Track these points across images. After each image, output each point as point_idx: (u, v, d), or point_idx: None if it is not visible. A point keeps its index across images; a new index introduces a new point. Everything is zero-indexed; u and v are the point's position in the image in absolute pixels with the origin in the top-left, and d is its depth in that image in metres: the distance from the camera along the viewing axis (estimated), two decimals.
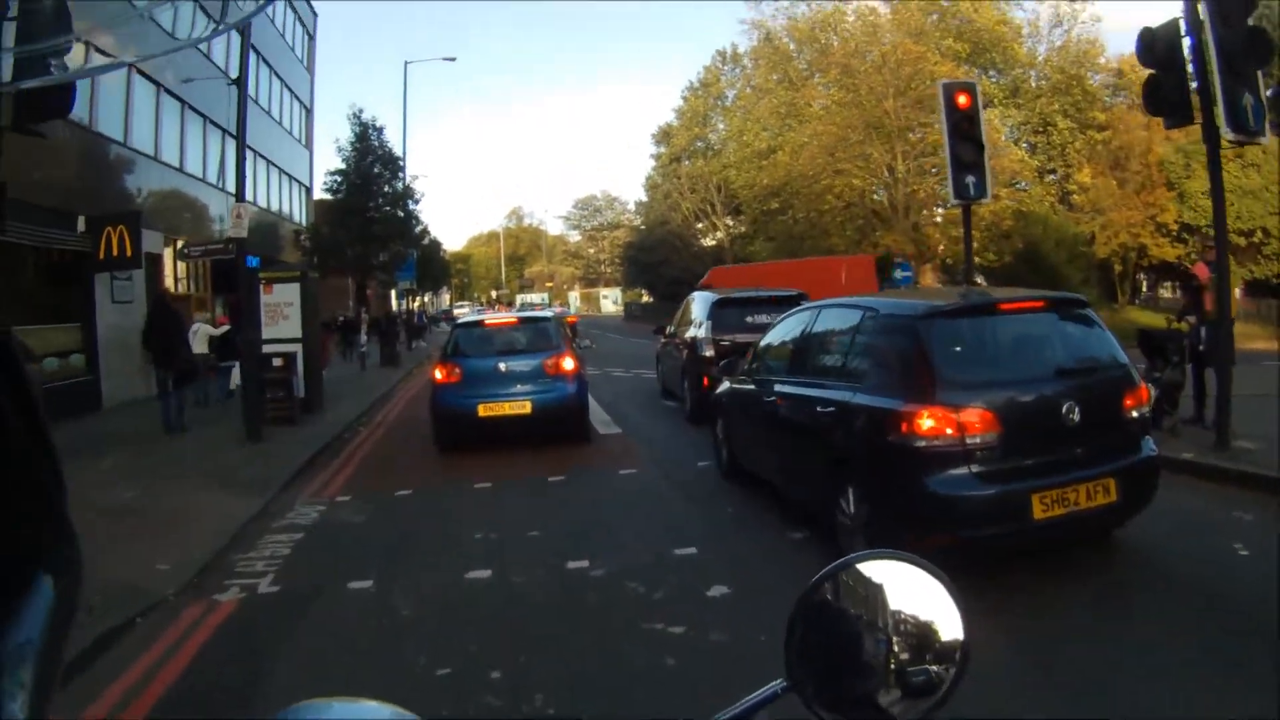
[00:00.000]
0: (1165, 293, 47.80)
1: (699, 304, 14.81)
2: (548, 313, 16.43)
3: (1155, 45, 9.30)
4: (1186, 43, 9.10)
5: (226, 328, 18.32)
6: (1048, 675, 4.55)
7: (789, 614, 1.23)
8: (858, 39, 39.60)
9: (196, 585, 6.73)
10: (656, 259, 60.25)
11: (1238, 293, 28.12)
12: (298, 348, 15.80)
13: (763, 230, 48.68)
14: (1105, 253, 40.32)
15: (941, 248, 38.59)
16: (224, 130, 24.77)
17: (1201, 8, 8.78)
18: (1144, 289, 49.08)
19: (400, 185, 32.25)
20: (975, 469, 5.42)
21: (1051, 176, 43.74)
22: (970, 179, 11.42)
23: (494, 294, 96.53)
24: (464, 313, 37.45)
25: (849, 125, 37.48)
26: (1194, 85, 9.25)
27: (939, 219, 39.10)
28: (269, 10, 32.17)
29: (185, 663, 5.34)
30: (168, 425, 14.09)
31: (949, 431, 5.41)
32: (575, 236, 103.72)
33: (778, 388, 7.73)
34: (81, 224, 17.00)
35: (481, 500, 9.35)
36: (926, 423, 5.45)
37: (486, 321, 13.57)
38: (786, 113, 44.47)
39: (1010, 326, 6.32)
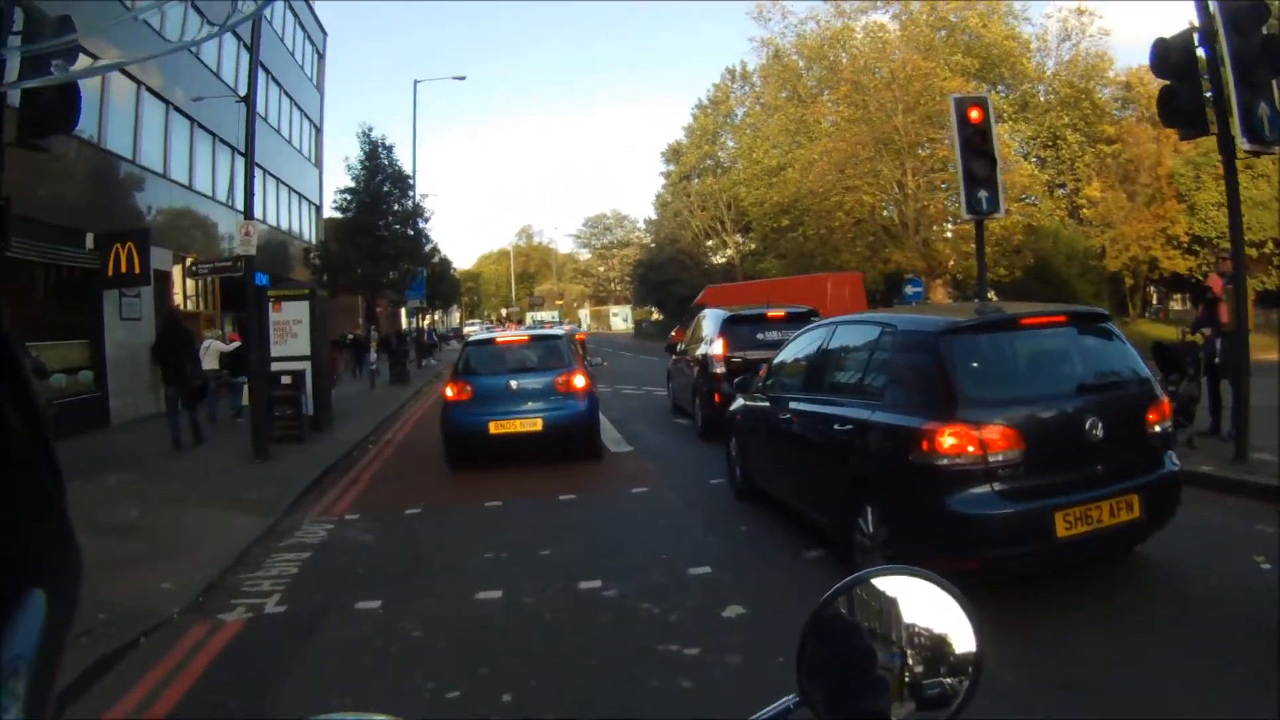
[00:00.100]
0: (1175, 305, 47.66)
1: (710, 321, 14.73)
2: (558, 330, 16.37)
3: (1170, 55, 9.23)
4: (1200, 53, 9.02)
5: (238, 344, 18.29)
6: (1068, 693, 4.45)
7: (801, 629, 1.23)
8: (867, 56, 39.55)
9: (201, 605, 6.65)
10: (666, 277, 60.17)
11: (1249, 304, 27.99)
12: (306, 365, 15.76)
13: (773, 247, 48.71)
14: (1116, 266, 40.15)
15: (952, 263, 38.46)
16: (233, 148, 24.83)
17: (1215, 12, 8.68)
18: (1154, 302, 48.89)
19: (410, 203, 32.33)
20: (997, 487, 5.30)
21: (1061, 191, 43.64)
22: (983, 194, 11.35)
23: (504, 312, 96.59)
24: (474, 331, 37.47)
25: (859, 142, 37.40)
26: (1208, 96, 9.17)
27: (949, 234, 38.98)
28: (279, 29, 32.45)
29: (189, 684, 5.26)
30: (176, 442, 14.04)
31: (971, 449, 5.28)
32: (585, 254, 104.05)
33: (793, 405, 7.62)
34: (90, 241, 17.03)
35: (492, 519, 9.24)
36: (948, 441, 5.33)
37: (498, 339, 13.51)
38: (796, 130, 44.45)
39: (1031, 341, 6.22)
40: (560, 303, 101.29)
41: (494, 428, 11.54)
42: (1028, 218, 37.52)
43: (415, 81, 42.90)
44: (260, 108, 24.45)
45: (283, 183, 34.60)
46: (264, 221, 29.23)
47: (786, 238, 44.81)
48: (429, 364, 38.55)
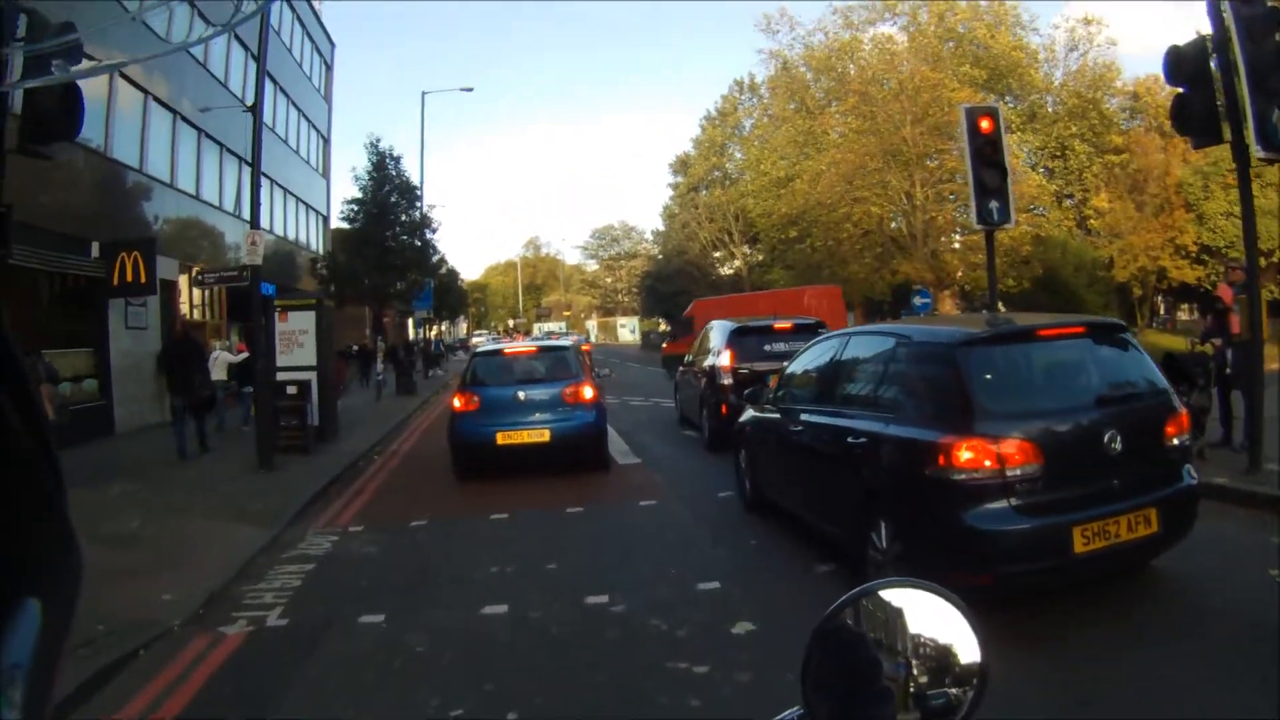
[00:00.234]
0: (1183, 315, 47.49)
1: (717, 332, 14.70)
2: (566, 341, 16.35)
3: (1183, 63, 9.16)
4: (1213, 61, 8.94)
5: (246, 355, 18.26)
6: (1086, 708, 4.39)
7: (806, 642, 1.22)
8: (875, 67, 39.49)
9: (202, 617, 6.56)
10: (674, 288, 60.21)
11: None
12: (312, 376, 15.71)
13: (780, 259, 48.60)
14: (1124, 276, 40.03)
15: (960, 274, 38.38)
16: (240, 158, 24.91)
17: (1228, 18, 8.59)
18: (1161, 312, 48.74)
19: (417, 214, 32.41)
20: (1015, 502, 5.18)
21: (1069, 201, 43.59)
22: (994, 204, 11.27)
23: (510, 323, 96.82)
24: (481, 342, 37.47)
25: (867, 153, 37.33)
26: (1220, 104, 9.09)
27: (957, 245, 38.91)
28: (287, 40, 32.52)
29: (189, 697, 5.19)
30: (181, 452, 14.00)
31: (988, 464, 5.17)
32: (593, 266, 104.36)
33: (805, 417, 7.52)
34: (95, 250, 17.06)
35: (498, 531, 9.15)
36: (965, 455, 5.22)
37: (505, 350, 13.52)
38: (804, 141, 44.35)
39: (1049, 353, 6.12)
40: (568, 314, 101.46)
41: (501, 439, 11.50)
42: (1036, 228, 37.37)
43: (423, 93, 43.04)
44: (268, 118, 24.54)
45: (290, 193, 34.62)
46: (271, 231, 29.26)
47: (794, 249, 44.67)
48: (435, 374, 38.49)
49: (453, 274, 55.46)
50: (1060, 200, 42.62)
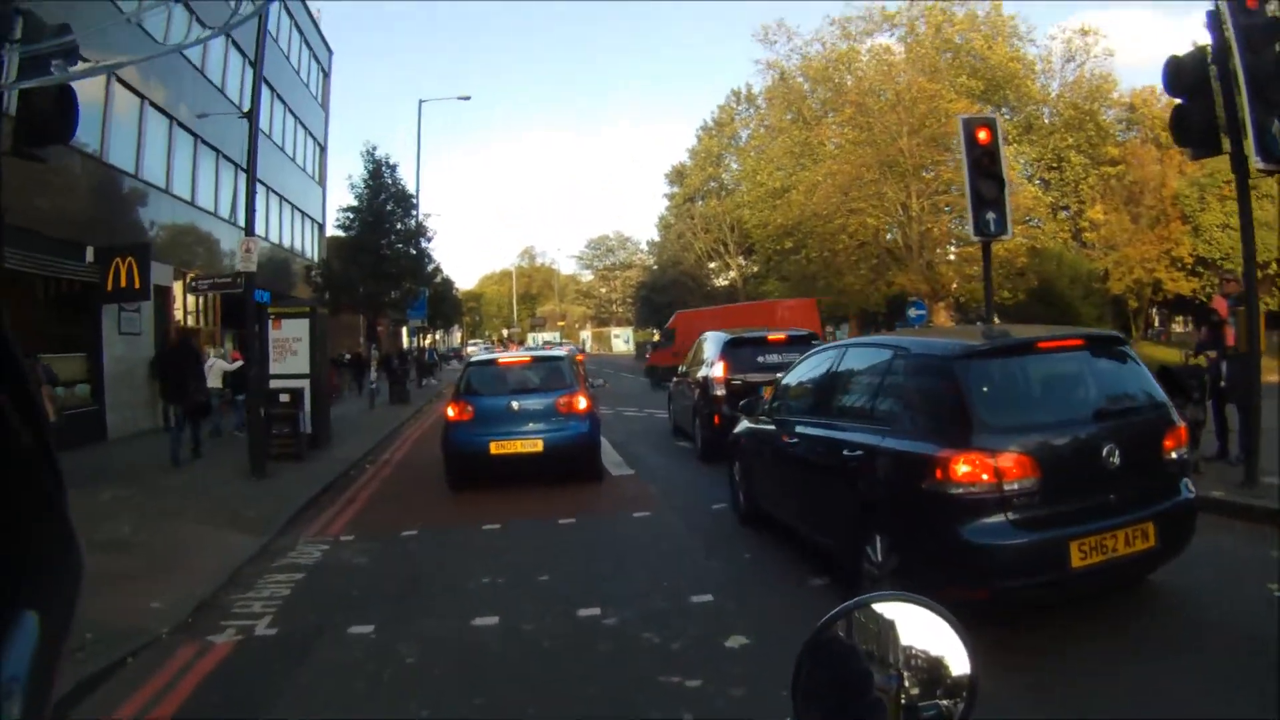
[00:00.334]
0: (1177, 327, 47.57)
1: (711, 344, 14.70)
2: (560, 351, 16.31)
3: (1182, 74, 9.13)
4: (1212, 71, 8.92)
5: (241, 363, 18.21)
6: None
7: (797, 654, 1.24)
8: (872, 78, 39.58)
9: (191, 625, 6.52)
10: (669, 299, 60.18)
11: None
12: (305, 383, 15.65)
13: (776, 270, 48.68)
14: (1119, 288, 40.17)
15: (955, 286, 38.41)
16: (237, 165, 24.85)
17: (1228, 28, 8.57)
18: (1156, 324, 48.81)
19: (413, 223, 32.36)
20: (1012, 517, 5.13)
21: (1065, 213, 43.69)
22: (991, 215, 11.26)
23: (505, 332, 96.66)
24: (475, 351, 37.42)
25: (863, 164, 37.37)
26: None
27: (952, 257, 38.93)
28: (284, 47, 32.51)
29: (176, 706, 5.14)
30: (175, 458, 13.94)
31: (986, 478, 5.11)
32: (588, 276, 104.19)
33: (800, 429, 7.46)
34: (90, 255, 17.01)
35: (490, 542, 9.08)
36: (962, 468, 5.16)
37: (500, 360, 13.51)
38: (800, 152, 44.42)
39: (1048, 366, 6.08)
40: (562, 324, 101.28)
41: (495, 448, 11.46)
42: (1031, 240, 37.46)
43: (420, 101, 43.08)
44: (264, 125, 24.54)
45: (285, 200, 34.59)
46: (266, 238, 29.27)
47: (790, 260, 44.71)
48: (429, 384, 38.45)
49: (447, 283, 55.39)
50: (1056, 212, 42.76)
